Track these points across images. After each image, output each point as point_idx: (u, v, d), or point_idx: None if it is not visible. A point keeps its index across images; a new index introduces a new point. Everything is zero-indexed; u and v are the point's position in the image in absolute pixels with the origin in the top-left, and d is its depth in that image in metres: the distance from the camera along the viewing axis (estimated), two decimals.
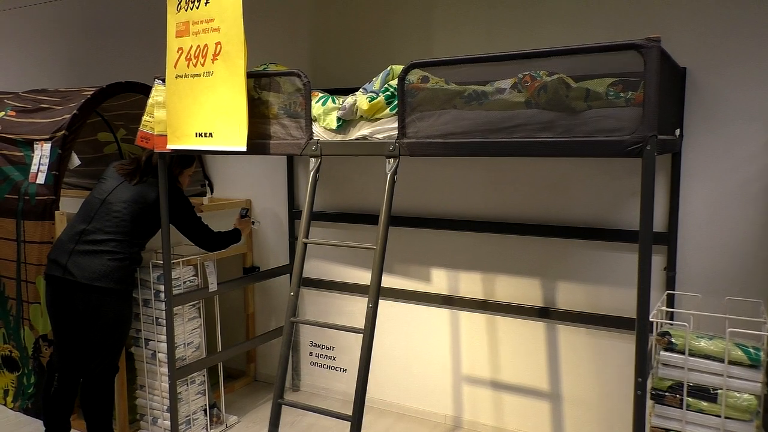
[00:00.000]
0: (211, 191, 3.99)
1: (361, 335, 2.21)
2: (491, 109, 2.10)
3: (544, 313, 3.04)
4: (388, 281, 3.46)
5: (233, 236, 3.24)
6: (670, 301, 2.68)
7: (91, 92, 3.40)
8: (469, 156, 2.15)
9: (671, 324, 2.24)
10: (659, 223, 2.73)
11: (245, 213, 3.52)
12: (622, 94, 1.95)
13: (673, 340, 2.07)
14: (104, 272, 2.71)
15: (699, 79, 2.61)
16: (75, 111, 3.29)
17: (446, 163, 3.22)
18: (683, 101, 2.63)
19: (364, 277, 3.52)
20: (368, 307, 2.21)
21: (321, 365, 3.75)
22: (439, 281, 3.33)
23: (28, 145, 3.37)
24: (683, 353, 2.04)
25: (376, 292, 2.22)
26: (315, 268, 3.70)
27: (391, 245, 3.42)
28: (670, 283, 2.70)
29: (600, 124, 1.92)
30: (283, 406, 2.39)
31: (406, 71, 2.22)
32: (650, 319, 2.00)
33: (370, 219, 3.42)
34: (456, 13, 3.10)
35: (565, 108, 1.98)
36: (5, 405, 3.57)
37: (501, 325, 3.19)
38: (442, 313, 3.34)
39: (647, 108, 1.84)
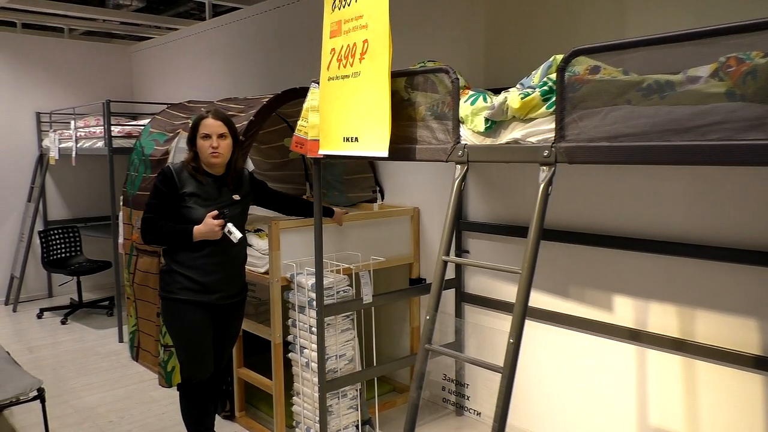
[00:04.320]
0: (382, 198, 3.88)
1: (500, 375, 1.86)
2: (677, 104, 1.61)
3: (762, 363, 2.37)
4: (561, 306, 3.01)
5: (180, 234, 2.67)
6: None
7: (267, 99, 3.48)
8: (644, 164, 1.69)
9: None
10: None
11: (223, 215, 2.68)
12: None
13: None
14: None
15: None
16: (251, 117, 3.39)
17: (636, 169, 2.69)
18: None
19: (535, 298, 3.11)
20: (509, 342, 1.85)
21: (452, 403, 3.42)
22: (624, 311, 2.79)
23: None
24: None
25: (519, 325, 1.85)
26: (478, 284, 3.38)
27: (567, 264, 2.97)
28: None
29: None
30: None
31: (567, 60, 1.81)
32: None
33: (547, 233, 2.99)
34: None
35: None
36: None
37: (702, 371, 2.57)
38: (626, 349, 2.80)
39: None
